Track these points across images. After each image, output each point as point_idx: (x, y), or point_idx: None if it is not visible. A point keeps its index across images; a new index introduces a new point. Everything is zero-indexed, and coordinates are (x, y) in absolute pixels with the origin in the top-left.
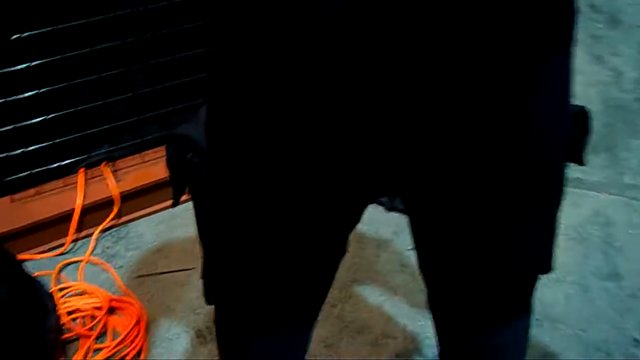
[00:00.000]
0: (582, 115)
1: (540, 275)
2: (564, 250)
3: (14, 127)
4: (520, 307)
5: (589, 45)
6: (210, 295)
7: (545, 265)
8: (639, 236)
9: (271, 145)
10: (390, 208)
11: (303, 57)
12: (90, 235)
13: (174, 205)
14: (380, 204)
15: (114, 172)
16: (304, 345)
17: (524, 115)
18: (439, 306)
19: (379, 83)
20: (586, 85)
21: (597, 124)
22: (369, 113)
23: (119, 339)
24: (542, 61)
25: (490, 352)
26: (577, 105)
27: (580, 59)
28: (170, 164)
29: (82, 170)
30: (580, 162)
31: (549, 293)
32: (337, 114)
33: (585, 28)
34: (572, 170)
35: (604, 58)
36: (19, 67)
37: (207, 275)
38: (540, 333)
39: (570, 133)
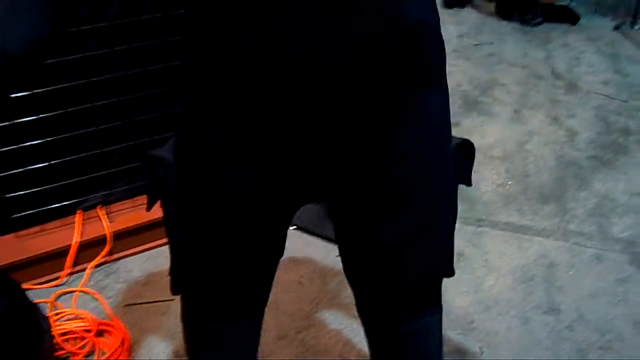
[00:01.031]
0: (466, 144)
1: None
2: (508, 288)
3: (20, 170)
4: (426, 302)
5: (548, 109)
6: (175, 287)
7: (445, 269)
8: (578, 276)
9: (218, 162)
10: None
11: (241, 94)
12: (85, 269)
13: (148, 209)
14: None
15: (108, 214)
16: (255, 335)
17: (390, 139)
18: (361, 303)
19: (297, 111)
20: (542, 144)
21: (548, 178)
22: (292, 135)
23: (105, 357)
24: (406, 99)
25: (404, 340)
26: (461, 138)
27: (539, 121)
28: (146, 177)
29: (79, 211)
30: (468, 183)
31: (492, 324)
32: (268, 135)
33: (546, 93)
34: (522, 218)
35: (560, 120)
36: (29, 118)
37: (173, 270)
38: (481, 357)
39: (456, 158)
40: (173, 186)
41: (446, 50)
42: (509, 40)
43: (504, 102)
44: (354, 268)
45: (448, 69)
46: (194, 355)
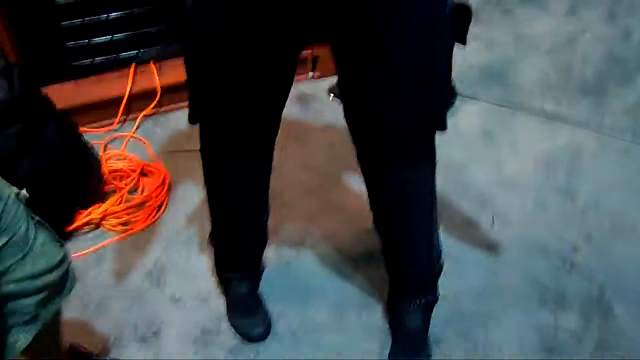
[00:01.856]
0: (462, 8)
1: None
2: (530, 171)
3: (82, 21)
4: (416, 154)
5: (608, 7)
6: (191, 117)
7: (437, 123)
8: (603, 166)
9: (226, 6)
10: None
11: None
12: (136, 118)
13: (168, 44)
14: None
15: (160, 69)
16: (262, 171)
17: None
18: (357, 152)
19: None
20: (594, 41)
21: (592, 72)
22: None
23: (147, 193)
24: None
25: (393, 187)
26: (461, 3)
27: (596, 17)
28: (168, 14)
29: (133, 65)
30: (463, 42)
31: (507, 202)
32: None
33: None
34: (557, 107)
35: (618, 18)
36: None
37: (190, 102)
38: (490, 231)
39: (452, 18)
40: (190, 25)
41: None
42: None
43: None
44: (349, 116)
45: None
46: (209, 184)
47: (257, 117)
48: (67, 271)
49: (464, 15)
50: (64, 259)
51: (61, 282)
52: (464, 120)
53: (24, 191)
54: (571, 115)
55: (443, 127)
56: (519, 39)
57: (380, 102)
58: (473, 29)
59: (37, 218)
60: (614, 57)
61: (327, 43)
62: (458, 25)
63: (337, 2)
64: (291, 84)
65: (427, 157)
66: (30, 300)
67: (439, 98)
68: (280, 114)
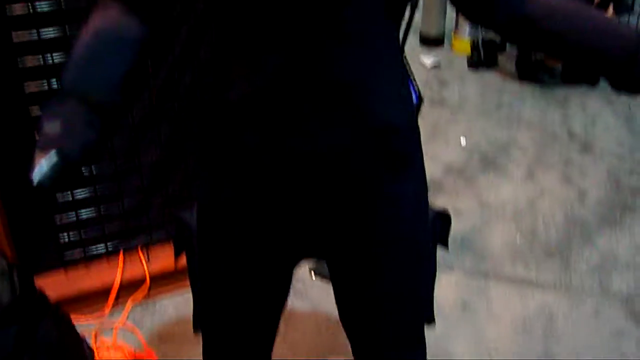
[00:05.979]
0: (443, 214)
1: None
2: (508, 339)
3: (76, 218)
4: (410, 346)
5: (562, 169)
6: (195, 326)
7: (427, 317)
8: (576, 326)
9: (228, 229)
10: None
11: (245, 176)
12: (125, 305)
13: (175, 257)
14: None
15: (148, 256)
16: None
17: (371, 213)
18: (354, 347)
19: (287, 187)
20: (553, 203)
21: (556, 235)
22: (288, 208)
23: None
24: (383, 182)
25: None
26: (439, 208)
27: (552, 180)
28: (174, 236)
29: (122, 251)
30: (445, 245)
31: None
32: (269, 207)
33: (561, 153)
34: (526, 271)
35: (573, 180)
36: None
37: (194, 311)
38: None
39: (434, 225)
40: (195, 247)
41: (468, 110)
42: (528, 102)
43: (520, 161)
44: (347, 319)
45: (470, 128)
46: None
47: (258, 326)
48: None
49: (445, 222)
50: None
51: None
52: (441, 292)
53: None
54: (540, 279)
55: (432, 320)
56: (483, 206)
57: (380, 311)
58: (440, 200)
59: None
60: (574, 218)
61: (323, 259)
62: (440, 231)
63: (338, 224)
64: (288, 295)
65: (419, 345)
66: None
67: (429, 295)
68: (278, 322)
